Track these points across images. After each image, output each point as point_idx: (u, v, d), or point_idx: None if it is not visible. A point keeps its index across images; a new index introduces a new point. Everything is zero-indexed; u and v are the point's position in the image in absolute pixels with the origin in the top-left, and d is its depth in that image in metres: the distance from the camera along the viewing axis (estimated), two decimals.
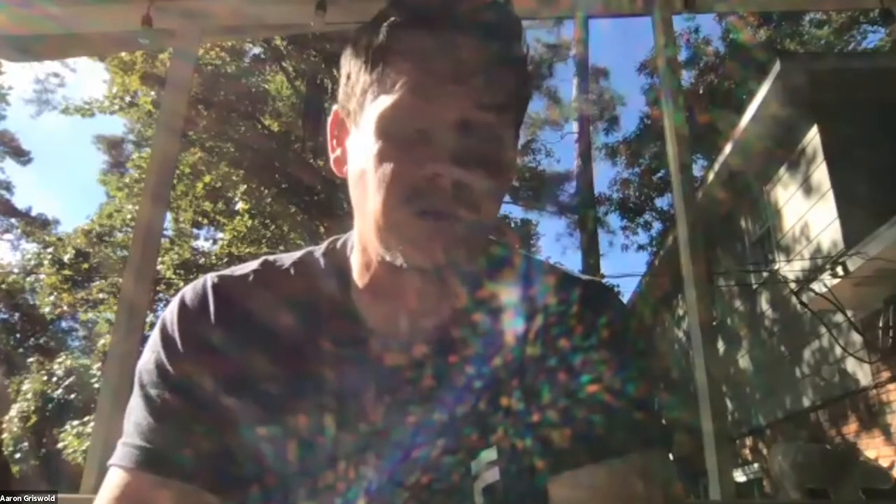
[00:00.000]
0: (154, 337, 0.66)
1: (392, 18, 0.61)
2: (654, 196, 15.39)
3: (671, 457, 0.63)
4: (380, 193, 0.58)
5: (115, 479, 0.61)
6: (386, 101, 0.59)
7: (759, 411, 8.17)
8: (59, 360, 13.59)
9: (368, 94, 0.62)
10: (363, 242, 0.66)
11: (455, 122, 0.58)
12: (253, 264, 0.71)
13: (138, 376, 0.65)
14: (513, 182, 0.74)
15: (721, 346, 8.90)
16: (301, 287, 0.68)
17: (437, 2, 0.61)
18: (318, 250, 0.73)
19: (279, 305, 0.66)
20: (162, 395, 0.62)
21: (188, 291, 0.68)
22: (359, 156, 0.62)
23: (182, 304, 0.67)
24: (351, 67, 0.65)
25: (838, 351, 5.97)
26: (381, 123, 0.59)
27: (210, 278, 0.69)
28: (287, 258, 0.72)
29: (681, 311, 10.71)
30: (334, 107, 0.69)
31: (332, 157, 0.69)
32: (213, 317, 0.65)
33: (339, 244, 0.72)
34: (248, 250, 11.32)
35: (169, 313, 0.67)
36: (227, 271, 0.70)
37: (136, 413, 0.63)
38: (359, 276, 0.68)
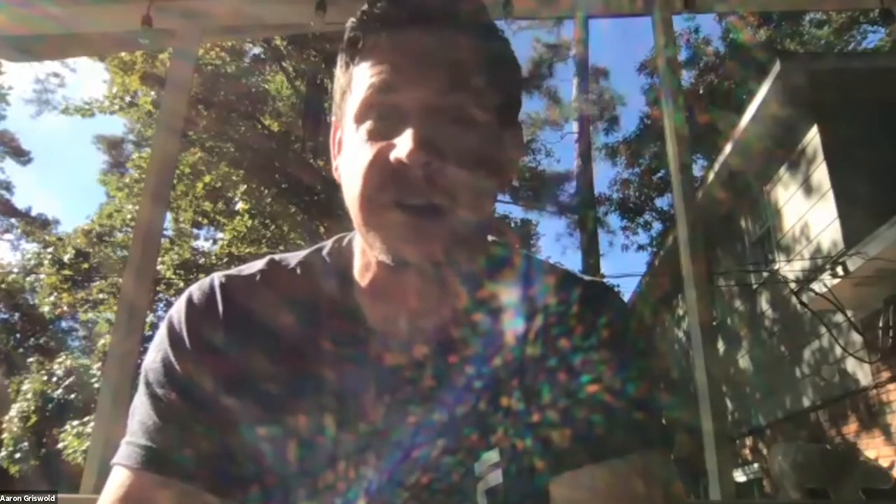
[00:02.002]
0: (160, 335, 0.66)
1: (354, 19, 0.62)
2: (654, 196, 15.38)
3: (672, 457, 0.63)
4: (356, 187, 0.60)
5: (118, 478, 0.61)
6: (356, 97, 0.61)
7: (759, 411, 8.16)
8: (59, 360, 13.55)
9: (346, 94, 0.64)
10: (361, 244, 0.66)
11: (420, 111, 0.58)
12: (259, 264, 0.71)
13: (144, 375, 0.64)
14: (509, 181, 0.73)
15: (721, 346, 8.90)
16: (305, 287, 0.68)
17: None
18: (325, 248, 0.73)
19: (284, 306, 0.66)
20: (168, 394, 0.62)
21: (195, 290, 0.68)
22: (346, 159, 0.64)
23: (190, 303, 0.66)
24: (336, 74, 0.67)
25: (838, 351, 5.97)
26: (354, 120, 0.61)
27: (217, 278, 0.68)
28: (293, 258, 0.72)
29: (681, 311, 10.70)
30: (332, 117, 0.70)
31: (333, 164, 0.70)
32: (220, 316, 0.65)
33: (344, 242, 0.73)
34: (248, 250, 11.31)
35: (176, 312, 0.66)
36: (233, 271, 0.70)
37: (140, 412, 0.63)
38: (360, 276, 0.68)
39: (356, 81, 0.62)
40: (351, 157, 0.61)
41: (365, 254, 0.66)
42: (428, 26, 0.60)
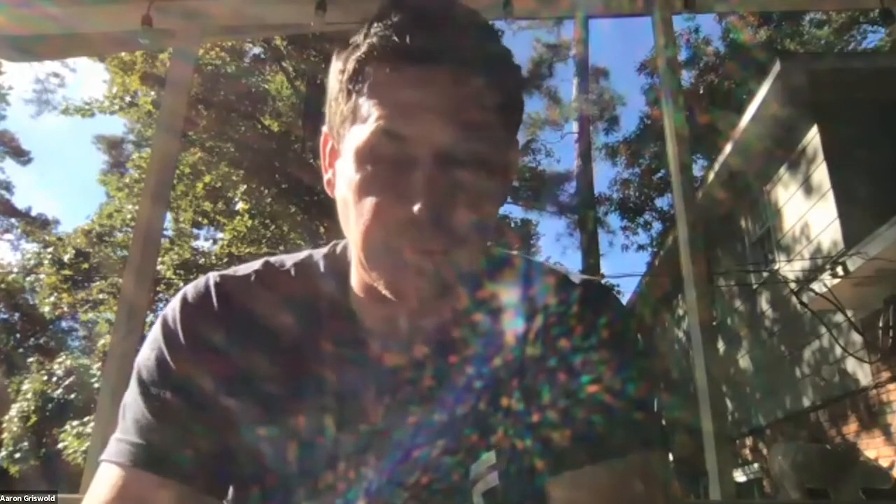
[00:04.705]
0: (155, 333, 0.65)
1: (361, 50, 0.58)
2: (654, 196, 15.39)
3: (669, 457, 0.63)
4: (360, 229, 0.58)
5: (110, 475, 0.60)
6: (361, 133, 0.57)
7: (759, 411, 8.17)
8: (59, 360, 13.55)
9: (346, 123, 0.61)
10: (357, 263, 0.65)
11: (431, 154, 0.56)
12: (254, 265, 0.71)
13: (137, 372, 0.64)
14: (504, 198, 0.72)
15: (721, 346, 8.90)
16: (301, 288, 0.68)
17: (410, 27, 0.57)
18: (319, 253, 0.72)
19: (280, 306, 0.66)
20: (162, 392, 0.62)
21: (190, 289, 0.67)
22: (342, 184, 0.62)
23: (184, 302, 0.66)
24: (331, 93, 0.63)
25: (838, 351, 5.97)
26: (357, 157, 0.58)
27: (212, 277, 0.68)
28: (288, 259, 0.72)
29: (681, 311, 10.70)
30: (323, 128, 0.68)
31: (324, 178, 0.68)
32: (215, 315, 0.65)
33: (339, 248, 0.72)
34: (248, 250, 11.32)
35: (171, 310, 0.66)
36: (228, 271, 0.70)
37: (133, 409, 0.62)
38: (357, 285, 0.67)
39: (361, 114, 0.58)
40: (351, 192, 0.58)
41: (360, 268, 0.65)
42: (437, 62, 0.57)
